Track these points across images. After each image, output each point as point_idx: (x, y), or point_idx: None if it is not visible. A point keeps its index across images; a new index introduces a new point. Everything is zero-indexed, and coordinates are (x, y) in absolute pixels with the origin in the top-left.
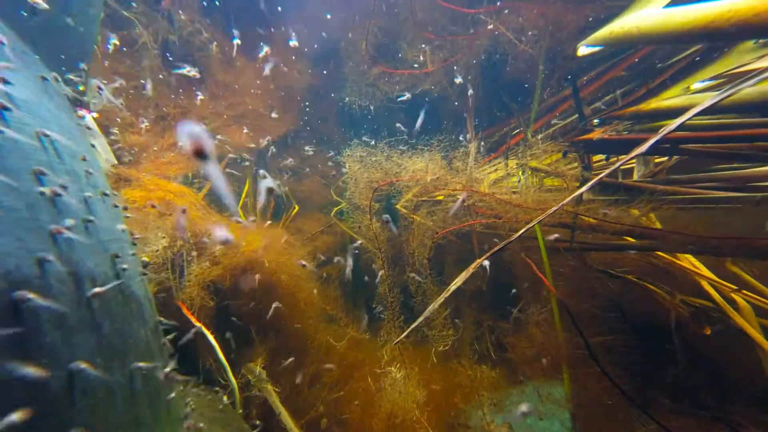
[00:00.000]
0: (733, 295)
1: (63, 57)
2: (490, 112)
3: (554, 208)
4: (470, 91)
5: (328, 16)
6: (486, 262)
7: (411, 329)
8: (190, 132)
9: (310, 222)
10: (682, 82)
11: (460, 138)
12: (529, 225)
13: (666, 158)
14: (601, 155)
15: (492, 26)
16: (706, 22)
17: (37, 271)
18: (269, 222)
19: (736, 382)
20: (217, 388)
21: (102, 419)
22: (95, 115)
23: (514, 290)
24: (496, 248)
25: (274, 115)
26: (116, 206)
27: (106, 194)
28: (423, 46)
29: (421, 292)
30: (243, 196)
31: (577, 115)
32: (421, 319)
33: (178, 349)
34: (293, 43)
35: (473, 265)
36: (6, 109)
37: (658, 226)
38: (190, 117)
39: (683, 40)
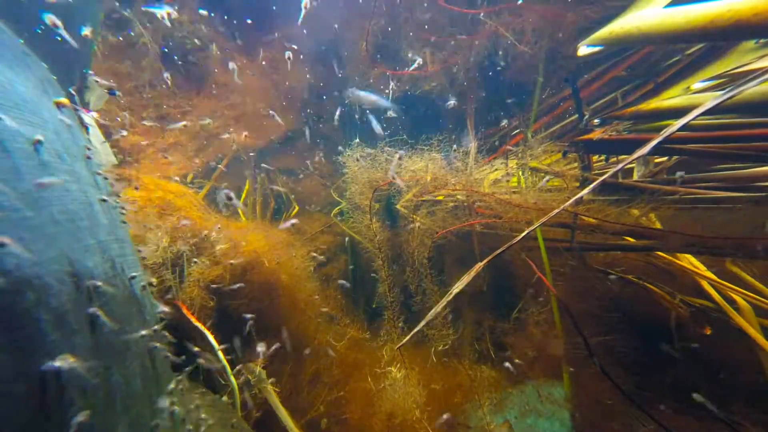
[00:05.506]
0: (733, 295)
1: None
2: (490, 113)
3: (555, 211)
4: (469, 92)
5: (328, 17)
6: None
7: (412, 334)
8: None
9: (310, 222)
10: (683, 82)
11: (460, 140)
12: (531, 228)
13: (666, 158)
14: (601, 155)
15: (492, 26)
16: (706, 22)
17: (37, 271)
18: (269, 222)
19: (736, 382)
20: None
21: (101, 419)
22: (95, 114)
23: (513, 290)
24: (497, 252)
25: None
26: (116, 206)
27: (106, 195)
28: (413, 50)
29: (420, 291)
30: (243, 196)
31: (577, 115)
32: (422, 324)
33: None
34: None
35: (475, 269)
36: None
37: (658, 226)
38: (190, 117)
39: (683, 40)
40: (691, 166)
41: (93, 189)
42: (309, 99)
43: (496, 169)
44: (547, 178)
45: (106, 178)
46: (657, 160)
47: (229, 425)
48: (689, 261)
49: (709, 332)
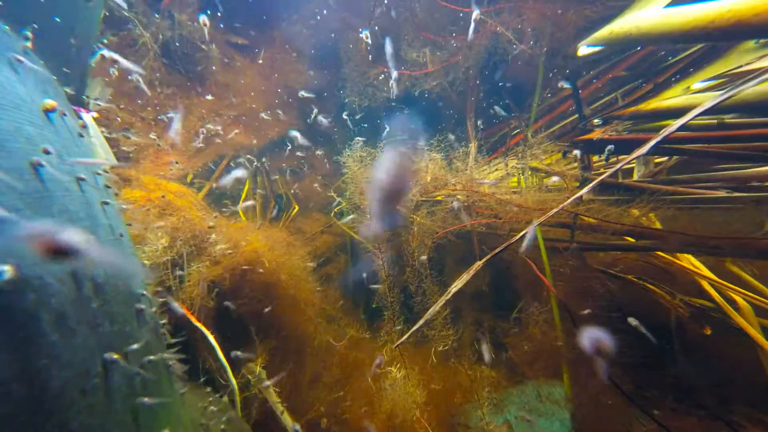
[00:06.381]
0: (733, 295)
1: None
2: (491, 113)
3: (554, 210)
4: (471, 90)
5: (326, 17)
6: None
7: (411, 332)
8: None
9: (310, 222)
10: (683, 82)
11: (461, 142)
12: (529, 227)
13: (666, 158)
14: (600, 155)
15: (492, 26)
16: (706, 22)
17: (37, 271)
18: (269, 222)
19: (736, 382)
20: (209, 389)
21: (101, 419)
22: (95, 114)
23: (513, 290)
24: (495, 251)
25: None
26: (115, 205)
27: (105, 194)
28: (413, 49)
29: (420, 292)
30: (243, 196)
31: (577, 115)
32: (421, 322)
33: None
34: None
35: (473, 268)
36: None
37: (658, 226)
38: (190, 117)
39: (683, 40)
40: (691, 166)
41: (93, 189)
42: (309, 98)
43: (496, 169)
44: (554, 178)
45: (103, 172)
46: (657, 160)
47: (229, 426)
48: (689, 261)
49: (709, 332)
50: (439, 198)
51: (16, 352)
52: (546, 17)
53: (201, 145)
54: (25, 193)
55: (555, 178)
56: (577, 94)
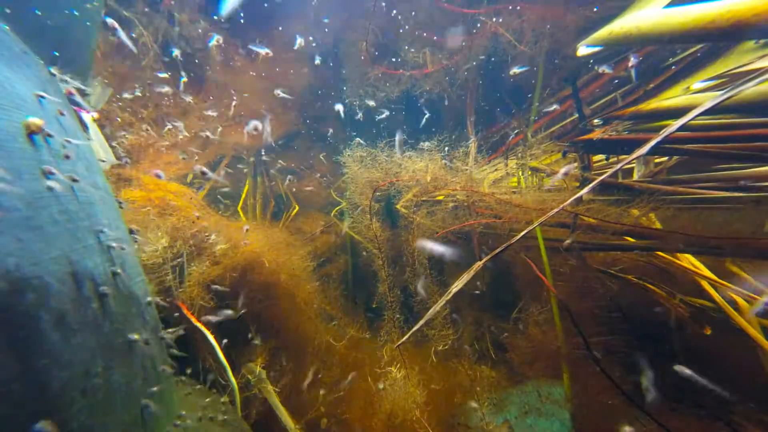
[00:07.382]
0: (733, 295)
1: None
2: (491, 113)
3: (554, 210)
4: (470, 92)
5: (327, 19)
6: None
7: (412, 332)
8: None
9: (310, 222)
10: (683, 82)
11: (461, 142)
12: (530, 227)
13: (666, 158)
14: (601, 155)
15: (492, 27)
16: (706, 22)
17: (37, 270)
18: (269, 221)
19: (736, 382)
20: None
21: (101, 419)
22: (95, 115)
23: (513, 290)
24: (495, 251)
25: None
26: (116, 206)
27: (106, 194)
28: (413, 50)
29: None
30: (243, 196)
31: (577, 115)
32: (422, 322)
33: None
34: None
35: (474, 268)
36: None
37: (658, 226)
38: (189, 117)
39: (683, 40)
40: (692, 166)
41: (93, 189)
42: (308, 98)
43: (496, 169)
44: (556, 176)
45: (105, 178)
46: (657, 160)
47: (229, 425)
48: (689, 261)
49: (709, 332)
50: (439, 198)
51: (16, 352)
52: (545, 18)
53: (197, 150)
54: (26, 193)
55: (558, 175)
56: (576, 93)
